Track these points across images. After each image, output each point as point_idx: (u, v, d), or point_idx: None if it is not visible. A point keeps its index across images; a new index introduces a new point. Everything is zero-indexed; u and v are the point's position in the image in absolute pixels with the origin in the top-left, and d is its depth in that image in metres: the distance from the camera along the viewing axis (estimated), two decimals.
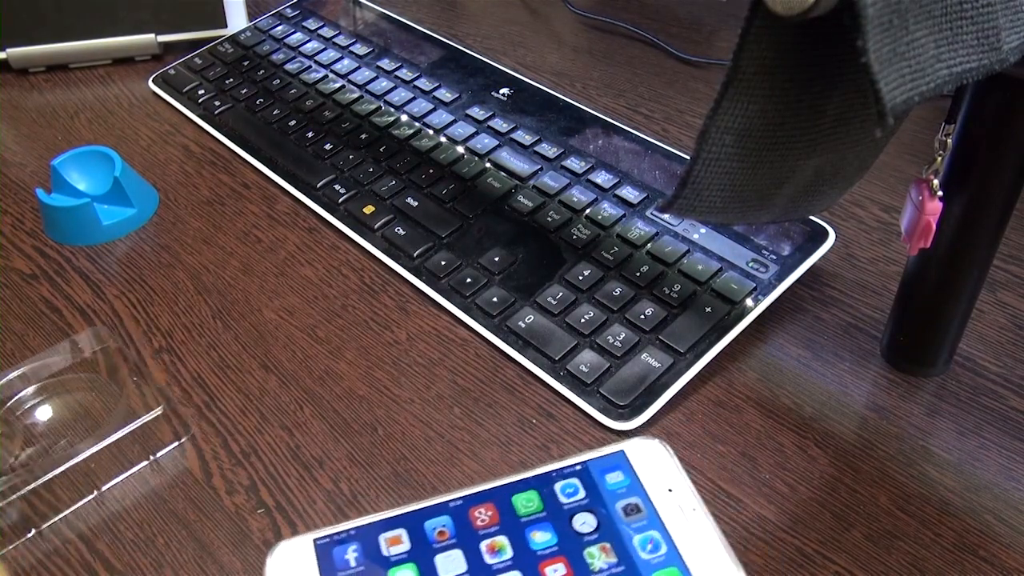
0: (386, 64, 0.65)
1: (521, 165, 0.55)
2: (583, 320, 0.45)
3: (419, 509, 0.35)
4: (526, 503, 0.36)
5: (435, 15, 0.75)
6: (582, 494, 0.36)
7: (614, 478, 0.36)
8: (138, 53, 0.69)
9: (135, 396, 0.41)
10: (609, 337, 0.44)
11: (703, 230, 0.49)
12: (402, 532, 0.35)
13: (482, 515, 0.35)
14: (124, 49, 0.69)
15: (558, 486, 0.36)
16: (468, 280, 0.48)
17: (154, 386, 0.42)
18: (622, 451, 0.37)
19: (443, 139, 0.58)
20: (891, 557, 0.36)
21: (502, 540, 0.34)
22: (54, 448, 0.41)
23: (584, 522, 0.35)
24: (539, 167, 0.54)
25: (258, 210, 0.55)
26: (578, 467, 0.37)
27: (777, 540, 0.37)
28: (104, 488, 0.40)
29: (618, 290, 0.46)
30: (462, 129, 0.58)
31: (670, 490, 0.36)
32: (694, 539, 0.34)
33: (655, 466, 0.37)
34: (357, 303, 0.48)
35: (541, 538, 0.34)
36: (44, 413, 0.43)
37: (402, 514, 0.35)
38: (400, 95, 0.62)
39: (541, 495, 0.36)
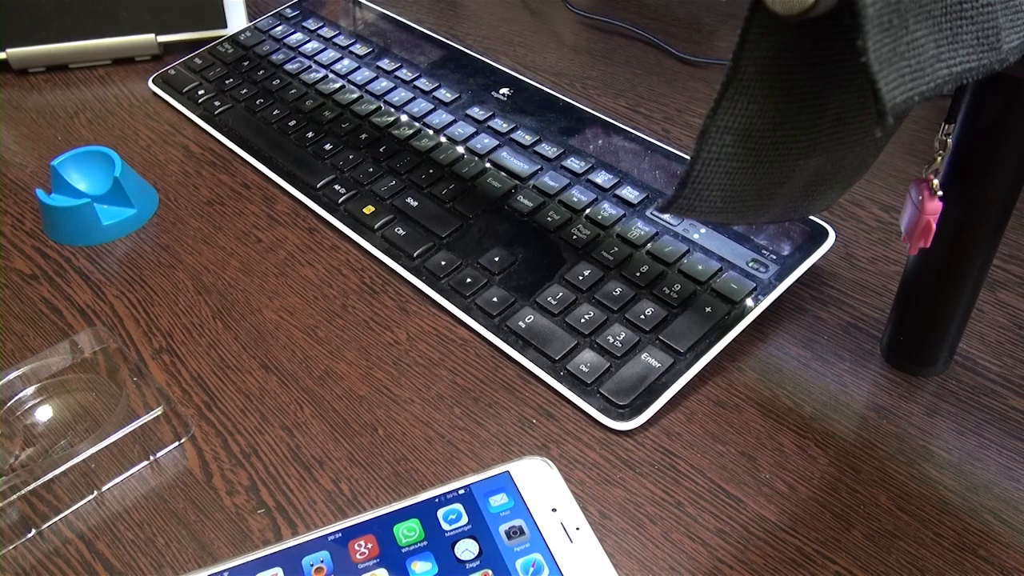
0: (386, 64, 0.65)
1: (521, 165, 0.55)
2: (583, 320, 0.45)
3: (297, 545, 0.35)
4: (407, 532, 0.35)
5: (435, 15, 0.75)
6: (464, 520, 0.36)
7: (498, 501, 0.36)
8: (138, 53, 0.69)
9: (135, 396, 0.41)
10: (609, 337, 0.44)
11: (703, 230, 0.49)
12: (278, 571, 0.34)
13: (362, 548, 0.35)
14: (124, 49, 0.69)
15: (440, 513, 0.36)
16: (468, 280, 0.48)
17: (154, 386, 0.42)
18: (507, 472, 0.37)
19: (443, 139, 0.58)
20: (891, 557, 0.36)
21: (381, 573, 0.34)
22: (54, 448, 0.41)
23: (466, 549, 0.35)
24: (539, 167, 0.54)
25: (258, 210, 0.55)
26: (461, 491, 0.37)
27: (777, 540, 0.37)
28: (104, 488, 0.40)
29: (618, 290, 0.46)
30: (462, 129, 0.58)
31: (554, 510, 0.36)
32: (578, 559, 0.34)
33: (541, 486, 0.37)
34: (357, 303, 0.48)
35: (422, 568, 0.34)
36: (44, 413, 0.43)
37: (279, 551, 0.35)
38: (400, 95, 0.62)
39: (423, 523, 0.35)
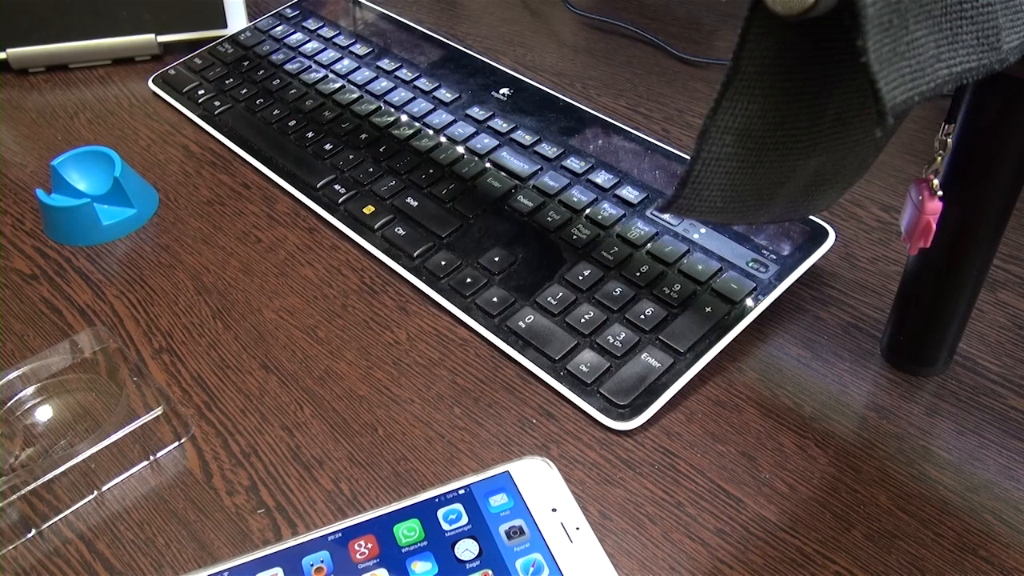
0: (386, 64, 0.65)
1: (521, 165, 0.55)
2: (583, 320, 0.45)
3: (297, 545, 0.35)
4: (407, 532, 0.35)
5: (435, 15, 0.75)
6: (464, 520, 0.36)
7: (498, 501, 0.36)
8: (138, 53, 0.69)
9: (135, 396, 0.41)
10: (609, 337, 0.44)
11: (703, 230, 0.49)
12: (278, 571, 0.34)
13: (362, 548, 0.35)
14: (124, 49, 0.69)
15: (440, 512, 0.36)
16: (468, 280, 0.48)
17: (154, 386, 0.42)
18: (507, 472, 0.37)
19: (443, 139, 0.58)
20: (891, 557, 0.36)
21: (381, 573, 0.34)
22: (54, 448, 0.41)
23: (466, 549, 0.35)
24: (539, 167, 0.54)
25: (258, 210, 0.55)
26: (461, 491, 0.37)
27: (777, 540, 0.37)
28: (104, 488, 0.40)
29: (618, 290, 0.46)
30: (462, 129, 0.58)
31: (554, 510, 0.36)
32: (579, 559, 0.34)
33: (540, 486, 0.37)
34: (357, 303, 0.48)
35: (422, 568, 0.34)
36: (44, 413, 0.43)
37: (279, 551, 0.35)
38: (400, 95, 0.62)
39: (423, 523, 0.36)
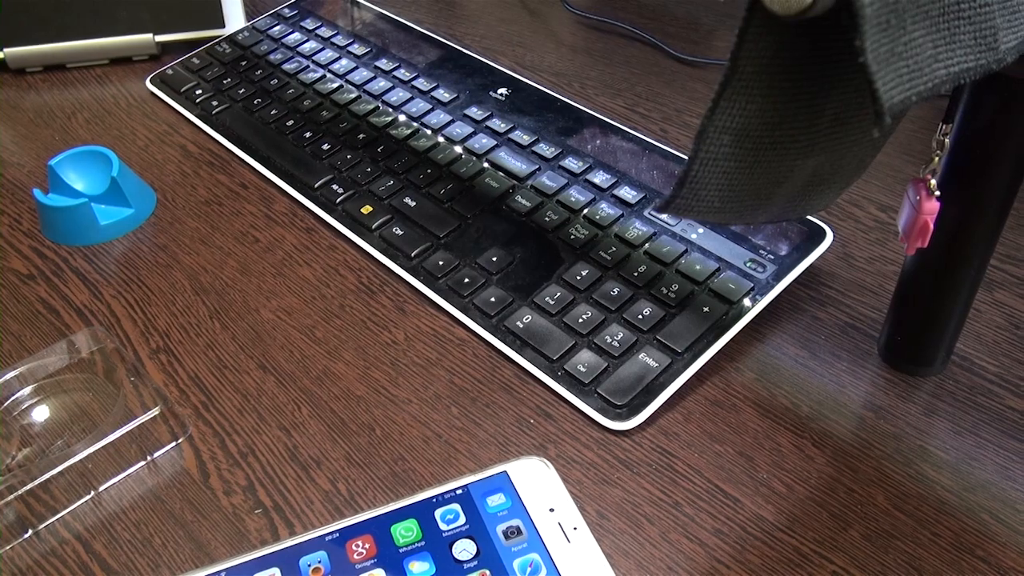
0: (384, 64, 0.65)
1: (519, 165, 0.55)
2: (581, 320, 0.45)
3: (294, 545, 0.35)
4: (405, 533, 0.35)
5: (433, 15, 0.75)
6: (462, 520, 0.36)
7: (495, 501, 0.36)
8: (136, 53, 0.69)
9: (132, 396, 0.41)
10: (607, 337, 0.44)
11: (701, 230, 0.49)
12: (276, 571, 0.34)
13: (359, 548, 0.35)
14: (122, 49, 0.69)
15: (438, 513, 0.36)
16: (466, 280, 0.48)
17: (151, 386, 0.42)
18: (504, 472, 0.37)
19: (441, 139, 0.58)
20: (888, 557, 0.36)
21: (378, 573, 0.34)
22: (51, 448, 0.41)
23: (464, 549, 0.35)
24: (537, 167, 0.54)
25: (256, 210, 0.55)
26: (459, 491, 0.37)
27: (775, 540, 0.37)
28: (101, 488, 0.40)
29: (616, 290, 0.46)
30: (460, 129, 0.58)
31: (551, 510, 0.36)
32: (576, 559, 0.34)
33: (538, 486, 0.37)
34: (355, 303, 0.48)
35: (419, 568, 0.34)
36: (41, 413, 0.43)
37: (276, 551, 0.35)
38: (398, 95, 0.62)
39: (420, 523, 0.36)
